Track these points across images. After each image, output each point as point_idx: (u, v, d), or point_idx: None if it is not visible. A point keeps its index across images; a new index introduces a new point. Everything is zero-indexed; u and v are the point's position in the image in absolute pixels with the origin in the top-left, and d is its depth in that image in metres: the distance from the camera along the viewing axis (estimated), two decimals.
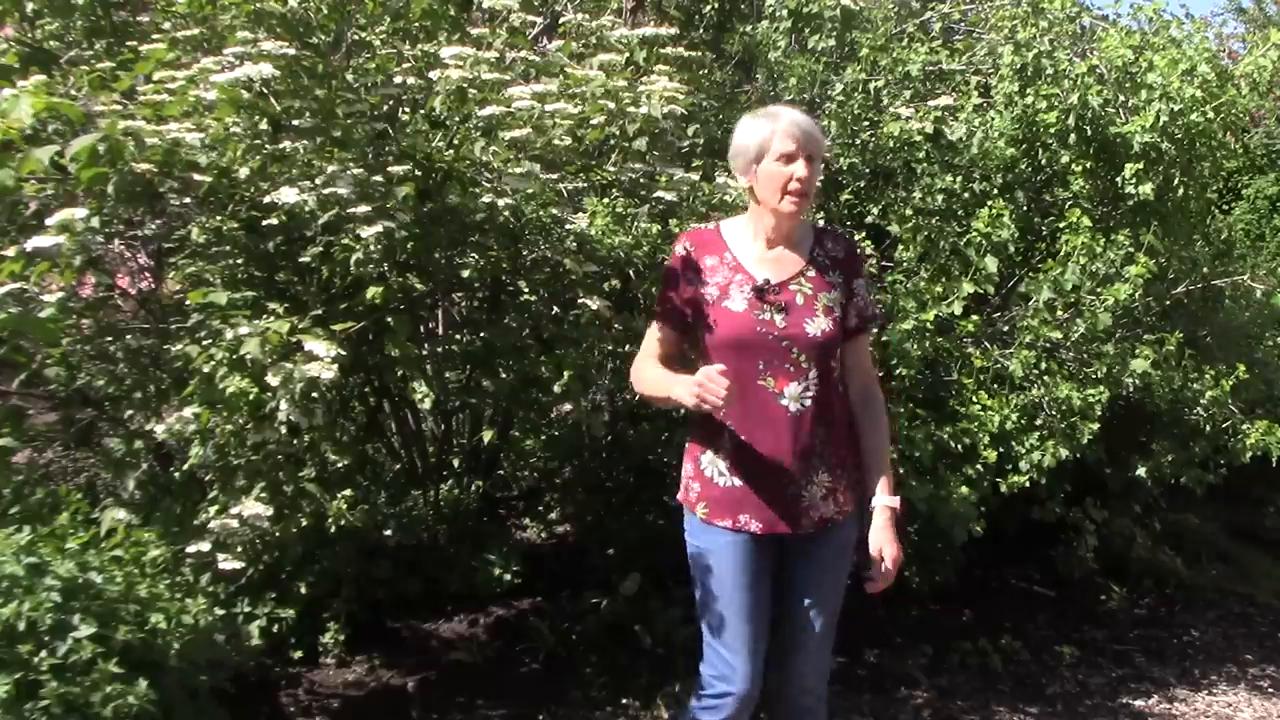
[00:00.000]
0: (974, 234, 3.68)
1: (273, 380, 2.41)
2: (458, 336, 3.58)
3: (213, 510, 2.64)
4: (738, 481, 2.31)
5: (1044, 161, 4.05)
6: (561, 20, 3.38)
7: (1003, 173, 3.98)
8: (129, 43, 2.83)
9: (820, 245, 2.40)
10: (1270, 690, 3.92)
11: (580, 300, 3.10)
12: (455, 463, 3.99)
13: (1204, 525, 5.26)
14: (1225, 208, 7.14)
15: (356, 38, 2.93)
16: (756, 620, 2.34)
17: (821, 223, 3.61)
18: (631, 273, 3.30)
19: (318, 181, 2.55)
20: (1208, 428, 3.90)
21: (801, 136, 2.26)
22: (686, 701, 2.48)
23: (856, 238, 3.69)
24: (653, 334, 2.41)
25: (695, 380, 2.14)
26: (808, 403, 2.30)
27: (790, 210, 2.28)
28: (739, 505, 2.32)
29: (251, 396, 2.51)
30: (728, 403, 2.14)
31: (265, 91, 2.63)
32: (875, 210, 3.92)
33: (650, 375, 2.38)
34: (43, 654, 2.29)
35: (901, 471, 3.49)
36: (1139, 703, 3.73)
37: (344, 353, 2.50)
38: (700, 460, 2.36)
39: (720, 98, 4.06)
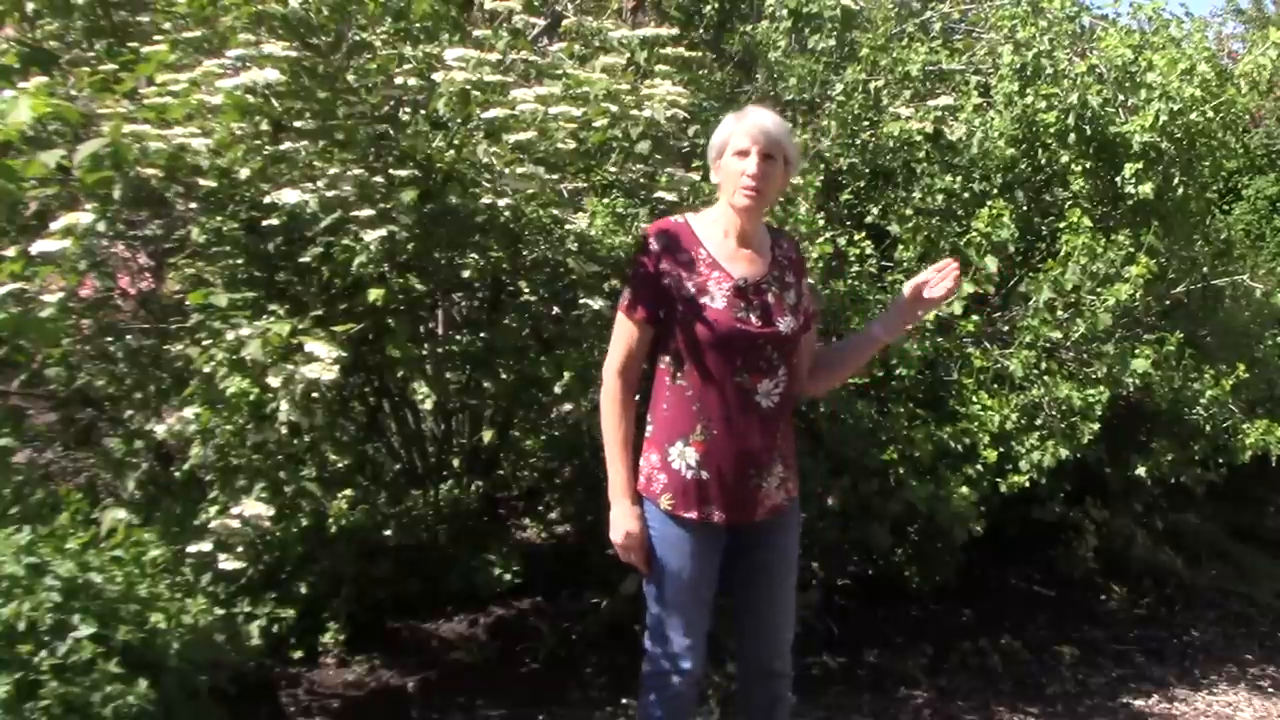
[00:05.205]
0: (974, 234, 3.68)
1: (273, 381, 2.42)
2: (458, 337, 3.57)
3: (213, 510, 2.65)
4: (706, 474, 2.33)
5: (1044, 161, 4.05)
6: (563, 22, 3.38)
7: (1003, 173, 3.98)
8: (130, 43, 2.82)
9: (778, 246, 2.45)
10: (1270, 690, 3.92)
11: (581, 300, 3.10)
12: (455, 463, 3.99)
13: (1204, 525, 5.25)
14: (1225, 208, 7.13)
15: (357, 39, 2.93)
16: (708, 605, 2.43)
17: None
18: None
19: (320, 184, 2.55)
20: (1208, 427, 3.90)
21: (759, 134, 2.28)
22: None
23: (856, 238, 3.71)
24: (626, 333, 2.35)
25: (629, 544, 2.36)
26: (776, 399, 2.36)
27: (742, 205, 2.30)
28: (705, 497, 2.34)
29: (252, 397, 2.52)
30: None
31: (267, 94, 2.63)
32: (875, 210, 3.93)
33: (618, 435, 2.34)
34: (43, 654, 2.29)
35: (901, 471, 3.50)
36: (1139, 703, 3.73)
37: (344, 353, 2.50)
38: (668, 452, 2.35)
39: (720, 98, 4.05)
